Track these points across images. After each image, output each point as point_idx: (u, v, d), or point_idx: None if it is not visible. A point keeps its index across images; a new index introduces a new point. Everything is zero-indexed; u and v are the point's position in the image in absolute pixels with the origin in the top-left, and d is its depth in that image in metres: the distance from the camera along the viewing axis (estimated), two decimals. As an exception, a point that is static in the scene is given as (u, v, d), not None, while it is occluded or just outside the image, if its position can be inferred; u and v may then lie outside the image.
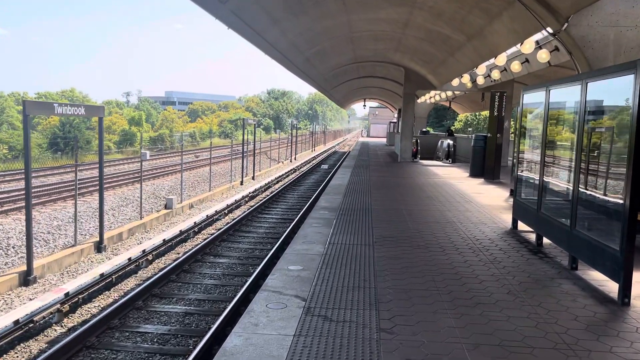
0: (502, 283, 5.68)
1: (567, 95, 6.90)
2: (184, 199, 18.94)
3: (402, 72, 24.08)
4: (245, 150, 27.44)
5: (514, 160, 13.48)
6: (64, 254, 10.45)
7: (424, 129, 39.20)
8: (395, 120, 53.08)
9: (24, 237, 11.44)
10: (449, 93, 30.83)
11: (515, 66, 16.56)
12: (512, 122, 25.76)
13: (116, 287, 9.11)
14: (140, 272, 10.05)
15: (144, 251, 10.75)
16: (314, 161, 39.94)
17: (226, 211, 16.53)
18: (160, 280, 9.22)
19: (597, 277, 5.92)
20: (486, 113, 65.29)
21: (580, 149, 6.03)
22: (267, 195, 20.17)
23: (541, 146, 7.45)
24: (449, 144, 25.33)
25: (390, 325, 4.43)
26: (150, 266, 10.46)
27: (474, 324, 4.49)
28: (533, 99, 8.32)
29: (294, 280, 5.59)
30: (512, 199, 12.60)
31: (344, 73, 28.15)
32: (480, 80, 21.03)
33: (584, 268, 6.26)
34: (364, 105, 51.93)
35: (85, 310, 8.03)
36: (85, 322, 7.57)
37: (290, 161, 39.12)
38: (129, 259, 10.10)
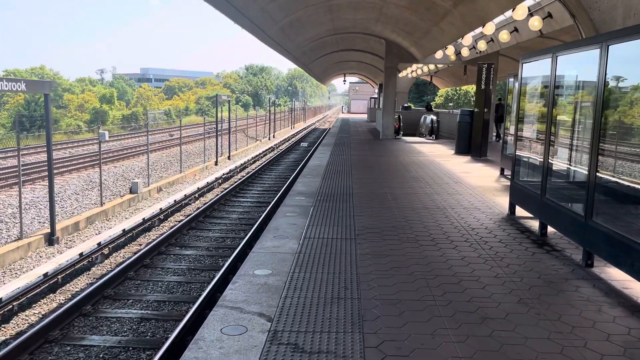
0: (509, 287, 4.75)
1: (579, 63, 5.92)
2: (152, 181, 17.72)
3: (384, 44, 22.91)
4: (220, 128, 26.15)
5: (504, 137, 12.60)
6: (7, 249, 9.27)
7: (406, 105, 38.23)
8: (376, 95, 51.89)
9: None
10: (432, 67, 29.84)
11: (504, 36, 15.57)
12: (496, 96, 24.81)
13: (63, 288, 8.00)
14: (93, 269, 8.95)
15: (99, 244, 9.62)
16: (293, 139, 38.76)
17: (197, 195, 15.39)
18: (115, 279, 8.14)
19: (618, 276, 5.03)
20: (467, 87, 64.75)
21: (600, 126, 5.06)
22: (243, 177, 19.05)
23: (546, 123, 6.48)
24: (432, 120, 24.39)
25: (379, 357, 3.45)
26: (105, 261, 9.35)
27: (484, 351, 3.54)
28: (534, 68, 7.33)
29: (259, 291, 4.58)
30: (503, 179, 11.76)
31: (322, 46, 26.84)
32: (464, 52, 20.03)
33: (600, 264, 5.37)
34: (344, 81, 50.60)
35: (22, 320, 6.93)
36: (19, 334, 6.48)
37: (269, 139, 37.87)
38: (81, 254, 8.97)
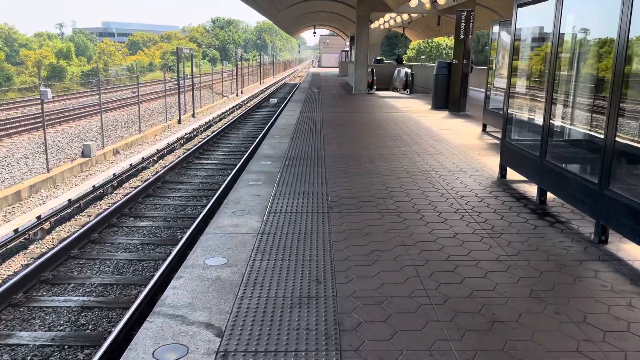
0: (515, 275, 3.93)
1: (591, 4, 4.96)
2: (109, 143, 16.39)
3: (355, -8, 21.49)
4: (184, 84, 24.60)
5: (487, 92, 11.72)
6: None
7: (378, 58, 36.92)
8: (347, 49, 50.22)
9: None
10: (405, 17, 28.51)
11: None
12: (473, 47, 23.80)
13: (-8, 272, 6.93)
14: (31, 247, 7.86)
15: (39, 217, 8.49)
16: (262, 95, 37.25)
17: (156, 158, 14.20)
18: (55, 259, 7.09)
19: (638, 254, 4.27)
20: (439, 39, 63.36)
21: (621, 78, 4.16)
22: (207, 137, 17.83)
23: (547, 77, 5.56)
24: (406, 73, 23.33)
25: (362, 390, 2.58)
26: (47, 237, 8.26)
27: (499, 375, 2.71)
28: (530, 15, 6.35)
29: (209, 289, 3.64)
30: (486, 137, 10.94)
31: (290, -6, 25.21)
32: (440, 1, 18.85)
33: (615, 239, 4.60)
34: (314, 33, 48.68)
35: None
36: None
37: (237, 95, 36.27)
38: (16, 231, 7.85)
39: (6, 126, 19.22)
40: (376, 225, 5.04)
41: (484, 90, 22.78)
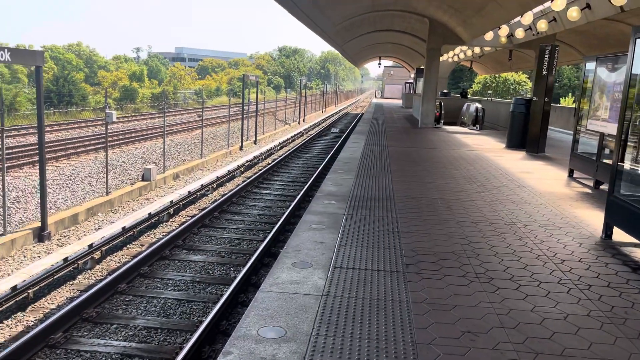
0: (660, 386, 2.96)
1: None
2: (171, 167, 16.29)
3: (427, 23, 20.81)
4: (247, 110, 24.58)
5: (575, 135, 10.59)
6: (-17, 249, 7.89)
7: (445, 91, 35.94)
8: (411, 80, 49.48)
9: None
10: (477, 50, 27.52)
11: (573, 13, 13.38)
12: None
13: (36, 304, 6.53)
14: (79, 277, 7.47)
15: (90, 246, 8.14)
16: (324, 123, 37.01)
17: (215, 185, 13.85)
18: (101, 294, 6.64)
19: None
20: (506, 75, 61.49)
21: None
22: (268, 165, 17.45)
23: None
24: (477, 108, 22.25)
25: None
26: (96, 267, 7.87)
27: None
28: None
29: (262, 375, 2.92)
30: (574, 184, 9.80)
31: (358, 25, 24.84)
32: (519, 34, 17.80)
33: None
34: (379, 64, 48.23)
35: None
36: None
37: (299, 123, 36.19)
38: (65, 260, 7.49)
39: (76, 144, 19.70)
40: (464, 294, 4.18)
41: (560, 129, 21.36)
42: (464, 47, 26.47)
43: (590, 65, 9.65)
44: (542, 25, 15.84)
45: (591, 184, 9.43)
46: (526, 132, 14.53)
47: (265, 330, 3.45)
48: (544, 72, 13.68)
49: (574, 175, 10.37)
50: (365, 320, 3.64)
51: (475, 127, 21.73)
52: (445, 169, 10.72)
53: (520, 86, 64.58)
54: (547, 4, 12.74)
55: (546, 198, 8.16)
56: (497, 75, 64.19)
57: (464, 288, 4.32)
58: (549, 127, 17.47)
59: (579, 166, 10.07)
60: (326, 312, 3.76)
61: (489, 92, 60.72)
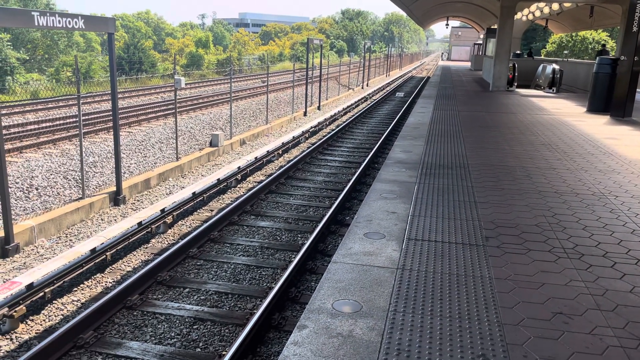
0: None
1: None
2: (237, 132, 16.46)
3: (502, -22, 19.52)
4: (311, 75, 24.33)
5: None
6: (64, 211, 8.25)
7: (518, 52, 34.00)
8: (480, 42, 47.20)
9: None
10: (555, 7, 25.66)
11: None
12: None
13: (113, 266, 6.77)
14: (152, 241, 7.68)
15: (162, 210, 8.33)
16: (388, 88, 36.17)
17: (280, 151, 13.85)
18: (174, 258, 6.80)
19: None
20: (584, 33, 57.36)
21: None
22: (332, 130, 17.26)
23: None
24: (554, 70, 20.84)
25: None
26: (168, 231, 8.07)
27: None
28: None
29: (339, 352, 2.79)
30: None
31: (427, -17, 23.74)
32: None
33: None
34: (447, 25, 46.24)
35: (55, 310, 5.74)
36: (39, 338, 5.27)
37: (362, 87, 35.56)
38: (140, 224, 7.71)
39: (147, 111, 20.26)
40: (553, 272, 3.87)
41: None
42: (541, 4, 24.78)
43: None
44: (634, -24, 14.39)
45: (689, 151, 8.59)
46: (611, 95, 13.46)
47: (340, 304, 3.32)
48: (635, 29, 12.48)
49: (668, 142, 9.49)
50: (445, 297, 3.43)
51: (551, 90, 20.43)
52: (522, 134, 10.11)
53: (598, 45, 60.23)
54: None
55: (638, 167, 7.49)
56: (573, 35, 60.05)
57: (551, 264, 4.00)
58: (638, 89, 16.12)
59: (675, 132, 9.17)
60: (403, 286, 3.58)
61: (565, 52, 57.03)
